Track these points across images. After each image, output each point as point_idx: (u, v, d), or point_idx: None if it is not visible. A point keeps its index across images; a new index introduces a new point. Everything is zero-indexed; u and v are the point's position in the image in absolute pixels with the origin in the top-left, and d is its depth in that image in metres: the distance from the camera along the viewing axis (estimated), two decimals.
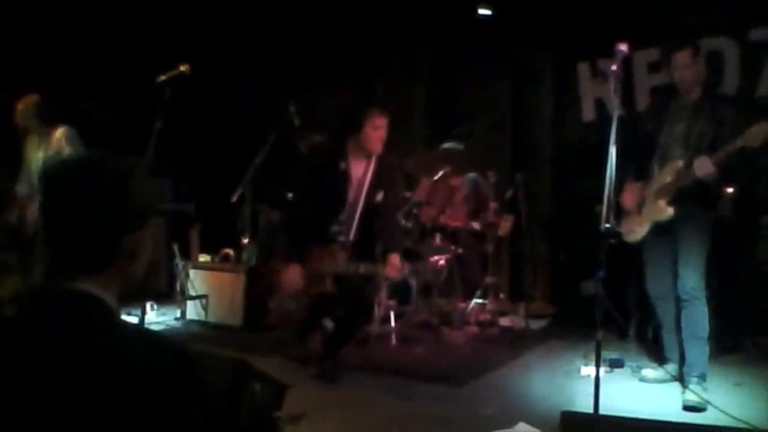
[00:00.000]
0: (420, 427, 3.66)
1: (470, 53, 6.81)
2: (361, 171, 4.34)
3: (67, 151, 5.19)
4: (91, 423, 1.23)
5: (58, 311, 1.32)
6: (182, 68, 4.26)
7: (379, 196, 4.33)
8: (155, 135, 4.14)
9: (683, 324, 3.99)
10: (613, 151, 3.19)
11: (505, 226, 5.73)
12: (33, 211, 5.21)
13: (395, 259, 4.21)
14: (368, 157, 4.33)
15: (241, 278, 5.62)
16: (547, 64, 6.60)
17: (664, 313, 4.22)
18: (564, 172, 6.43)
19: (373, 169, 4.33)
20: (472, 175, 5.75)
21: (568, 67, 6.47)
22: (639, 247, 4.23)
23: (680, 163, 3.93)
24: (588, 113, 6.40)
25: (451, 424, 3.68)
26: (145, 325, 4.97)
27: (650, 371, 4.31)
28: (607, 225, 3.07)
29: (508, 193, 5.72)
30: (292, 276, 4.24)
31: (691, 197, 3.90)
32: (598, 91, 6.25)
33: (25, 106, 5.35)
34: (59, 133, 5.28)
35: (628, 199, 4.18)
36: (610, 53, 3.44)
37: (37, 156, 5.35)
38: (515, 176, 5.70)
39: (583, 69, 6.36)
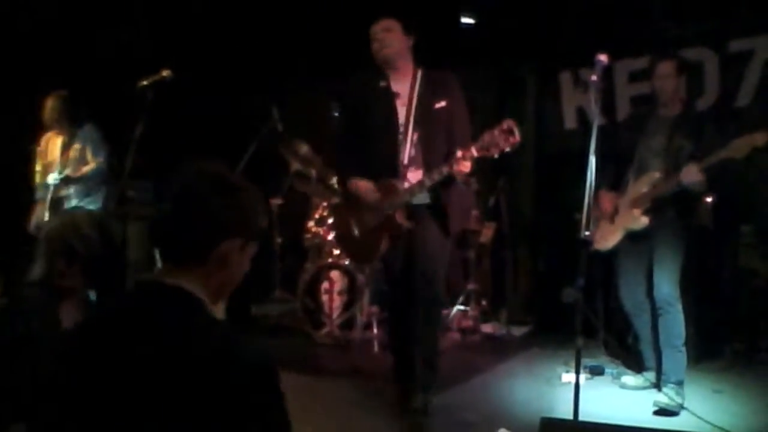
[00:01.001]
0: None
1: (453, 62, 6.84)
2: (406, 87, 3.70)
3: (91, 151, 5.27)
4: (159, 407, 1.33)
5: (149, 300, 1.46)
6: (164, 73, 4.24)
7: (441, 104, 3.64)
8: (136, 139, 4.12)
9: (660, 331, 4.03)
10: (593, 160, 3.23)
11: (487, 233, 5.77)
12: (39, 214, 5.29)
13: (463, 154, 3.46)
14: (403, 72, 3.72)
15: None
16: (529, 73, 6.65)
17: (640, 323, 4.25)
18: (545, 180, 6.48)
19: (420, 81, 3.71)
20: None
21: (550, 76, 6.52)
22: (609, 255, 4.28)
23: (657, 175, 3.99)
24: (570, 122, 6.45)
25: (432, 430, 3.68)
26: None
27: (630, 378, 4.35)
28: (587, 233, 3.10)
29: (491, 201, 5.75)
30: (365, 188, 3.69)
31: (669, 206, 3.94)
32: (580, 100, 6.30)
33: (55, 102, 5.33)
34: (87, 130, 5.32)
35: (604, 205, 4.20)
36: (591, 63, 3.48)
37: (60, 157, 5.31)
38: (497, 184, 5.73)
39: (565, 78, 6.41)
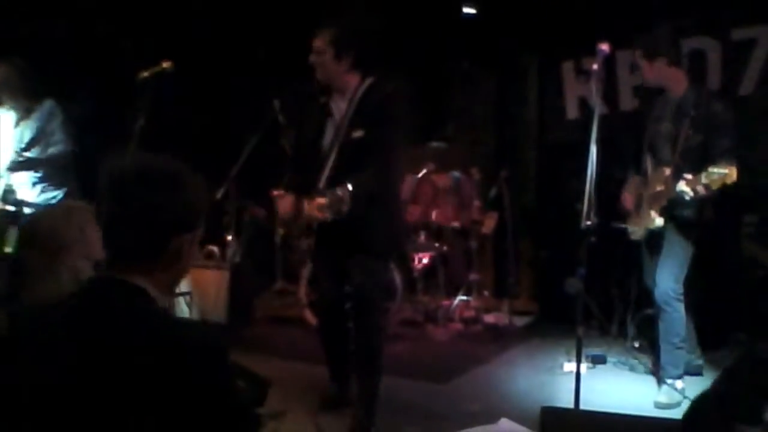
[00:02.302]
0: (403, 423, 3.67)
1: (455, 52, 6.83)
2: (343, 107, 3.59)
3: (52, 129, 4.61)
4: (108, 397, 1.33)
5: (100, 296, 1.44)
6: (165, 65, 4.22)
7: (358, 134, 3.49)
8: (137, 131, 4.12)
9: (659, 329, 4.00)
10: (593, 149, 3.22)
11: (489, 223, 5.76)
12: None
13: (323, 199, 3.31)
14: (344, 91, 3.60)
15: (225, 275, 5.59)
16: (531, 63, 6.62)
17: (666, 318, 4.07)
18: (548, 170, 6.46)
19: (355, 102, 3.55)
20: (456, 173, 5.77)
21: (552, 66, 6.49)
22: (637, 246, 4.25)
23: (668, 172, 3.90)
24: (572, 111, 6.43)
25: (434, 420, 3.70)
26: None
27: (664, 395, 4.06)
28: (588, 222, 3.09)
29: (493, 191, 5.74)
30: (284, 204, 3.70)
31: (677, 209, 3.89)
32: (582, 89, 6.27)
33: (6, 71, 4.58)
34: (47, 107, 4.64)
35: (629, 199, 4.17)
36: (594, 52, 3.47)
37: (13, 135, 4.60)
38: (499, 174, 5.73)
39: (567, 68, 6.39)
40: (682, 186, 3.59)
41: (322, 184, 3.53)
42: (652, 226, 3.97)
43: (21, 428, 1.39)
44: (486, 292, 5.91)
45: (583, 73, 6.27)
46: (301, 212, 3.60)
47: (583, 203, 3.11)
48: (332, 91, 3.64)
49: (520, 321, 5.69)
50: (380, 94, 3.53)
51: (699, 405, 2.12)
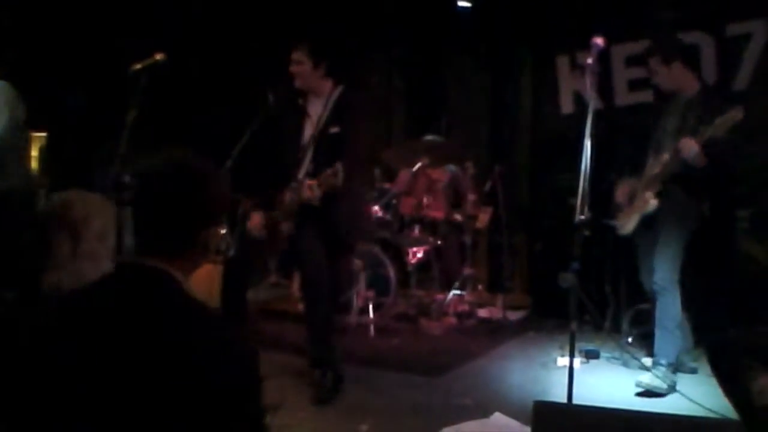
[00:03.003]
0: (395, 418, 3.68)
1: (449, 46, 6.82)
2: (318, 108, 4.12)
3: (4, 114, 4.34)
4: (141, 380, 1.38)
5: (135, 280, 1.50)
6: (157, 57, 4.20)
7: (335, 129, 4.04)
8: (129, 124, 4.09)
9: (656, 312, 4.03)
10: (588, 144, 3.22)
11: (484, 217, 5.76)
12: None
13: (313, 180, 3.80)
14: (319, 95, 4.14)
15: (218, 269, 5.57)
16: (526, 57, 6.61)
17: (661, 304, 4.13)
18: (542, 165, 6.46)
19: (330, 105, 4.10)
20: (451, 166, 5.77)
21: (547, 60, 6.48)
22: (631, 240, 4.26)
23: (667, 156, 3.95)
24: (567, 106, 6.41)
25: (427, 415, 3.70)
26: None
27: (650, 360, 4.20)
28: (581, 217, 3.10)
29: (487, 185, 5.74)
30: (254, 222, 4.30)
31: (677, 188, 3.92)
32: (577, 84, 6.25)
33: None
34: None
35: (622, 193, 4.21)
36: (589, 46, 3.47)
37: None
38: (494, 168, 5.73)
39: (562, 62, 6.37)
40: (687, 142, 3.67)
41: (301, 175, 4.05)
42: (646, 210, 3.99)
43: (55, 411, 1.42)
44: (480, 287, 5.92)
45: (578, 68, 6.25)
46: (270, 227, 4.16)
47: (576, 198, 3.10)
48: (308, 95, 4.17)
49: (513, 315, 5.69)
50: (352, 97, 4.16)
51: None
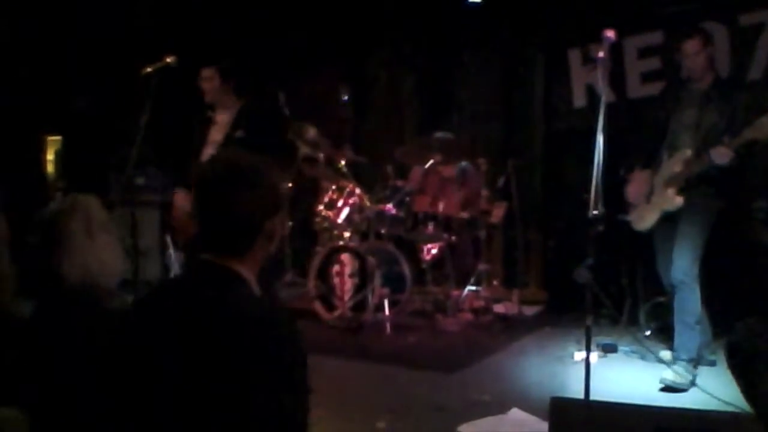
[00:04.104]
0: (413, 414, 3.69)
1: (460, 41, 6.80)
2: (226, 117, 4.77)
3: None
4: (211, 369, 1.51)
5: (207, 280, 1.62)
6: (168, 60, 4.25)
7: (239, 133, 4.65)
8: (143, 126, 4.13)
9: (675, 308, 4.00)
10: (600, 138, 3.20)
11: (498, 213, 5.75)
12: None
13: None
14: (227, 106, 4.78)
15: None
16: (537, 51, 6.58)
17: (678, 299, 4.12)
18: (555, 159, 6.43)
19: (235, 114, 4.75)
20: (463, 163, 5.75)
21: (558, 54, 6.45)
22: (647, 234, 4.23)
23: (689, 153, 3.93)
24: (579, 100, 6.38)
25: (444, 411, 3.70)
26: None
27: (668, 353, 4.24)
28: (595, 212, 3.08)
29: (500, 181, 5.72)
30: (180, 202, 4.81)
31: (702, 186, 3.90)
32: (589, 77, 6.21)
33: None
34: None
35: (634, 189, 4.19)
36: (600, 39, 3.45)
37: None
38: (507, 163, 5.71)
39: (574, 55, 6.33)
40: (721, 150, 3.64)
41: None
42: (670, 208, 3.97)
43: (135, 397, 1.58)
44: (495, 282, 5.90)
45: (589, 61, 6.21)
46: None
47: (589, 193, 3.09)
48: (217, 108, 4.80)
49: (530, 310, 5.68)
50: (256, 107, 4.84)
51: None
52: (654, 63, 5.73)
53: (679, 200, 3.94)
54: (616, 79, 5.85)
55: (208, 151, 4.68)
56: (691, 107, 4.01)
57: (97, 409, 1.65)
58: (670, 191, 3.96)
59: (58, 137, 7.19)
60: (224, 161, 1.74)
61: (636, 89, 5.89)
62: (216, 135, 4.76)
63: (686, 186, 3.91)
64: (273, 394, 1.52)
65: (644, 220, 4.14)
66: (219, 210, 1.64)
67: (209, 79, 4.73)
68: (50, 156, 7.19)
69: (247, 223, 1.64)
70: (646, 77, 5.78)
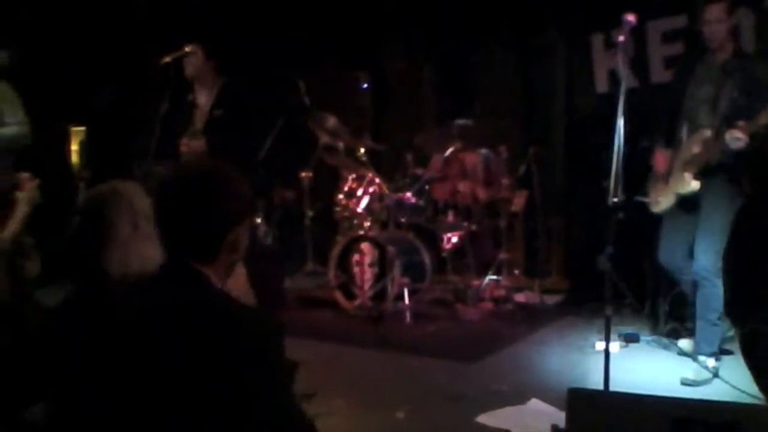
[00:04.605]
0: (432, 404, 3.67)
1: (480, 28, 6.73)
2: (207, 99, 4.66)
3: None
4: (178, 365, 1.51)
5: (176, 279, 1.61)
6: (187, 49, 4.25)
7: (218, 112, 4.57)
8: (161, 116, 4.15)
9: (696, 303, 3.91)
10: (620, 123, 3.15)
11: (519, 201, 5.69)
12: None
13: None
14: (206, 86, 4.66)
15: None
16: (559, 37, 6.49)
17: (685, 285, 4.10)
18: (577, 145, 6.35)
19: (216, 94, 4.64)
20: (484, 150, 5.69)
21: (580, 39, 6.36)
22: (660, 217, 4.13)
23: (708, 133, 3.73)
24: (602, 85, 6.29)
25: (463, 401, 3.68)
26: None
27: (689, 343, 4.17)
28: (615, 199, 3.03)
29: (521, 168, 5.67)
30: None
31: (720, 172, 3.74)
32: (612, 62, 6.11)
33: None
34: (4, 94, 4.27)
35: (658, 165, 4.01)
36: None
37: None
38: (527, 151, 5.65)
39: (596, 40, 6.24)
40: (735, 133, 3.46)
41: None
42: (684, 191, 3.83)
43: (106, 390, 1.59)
44: (516, 271, 5.84)
45: (612, 46, 6.11)
46: None
47: (609, 179, 3.04)
48: (195, 86, 4.65)
49: (551, 299, 5.63)
50: (238, 85, 4.69)
51: None
52: (678, 47, 5.62)
53: (694, 184, 3.77)
54: (640, 63, 5.76)
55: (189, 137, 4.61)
56: (708, 82, 3.82)
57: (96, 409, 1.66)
58: (687, 175, 3.79)
59: (82, 128, 7.24)
60: (186, 170, 1.75)
61: (659, 74, 5.78)
62: (199, 120, 4.66)
63: (704, 172, 3.75)
64: (258, 393, 1.52)
65: (659, 203, 4.01)
66: (178, 221, 1.63)
67: (193, 54, 4.57)
68: (75, 146, 7.25)
69: (208, 235, 1.62)
70: (670, 62, 5.67)
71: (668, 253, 4.07)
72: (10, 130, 4.25)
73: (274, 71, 7.01)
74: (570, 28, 6.44)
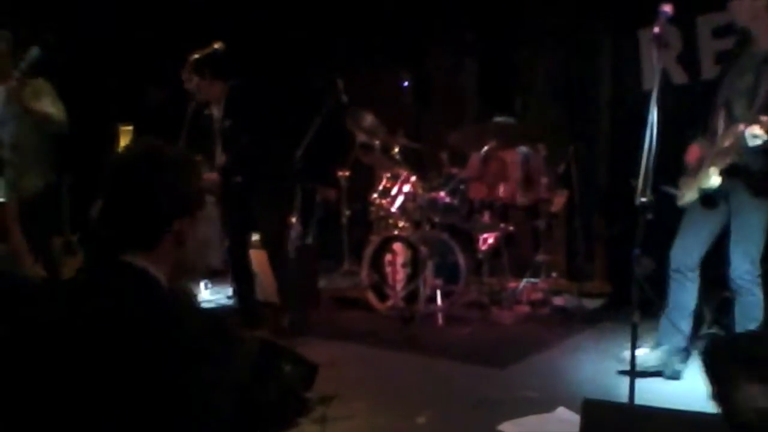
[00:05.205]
0: (455, 410, 3.56)
1: (523, 23, 6.57)
2: (219, 111, 4.66)
3: (45, 108, 4.39)
4: (107, 376, 1.36)
5: (104, 277, 1.49)
6: (216, 45, 4.23)
7: (228, 123, 4.58)
8: (189, 115, 4.15)
9: (735, 312, 3.67)
10: (653, 118, 2.99)
11: (559, 201, 5.51)
12: None
13: None
14: (218, 100, 4.63)
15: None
16: (605, 32, 6.29)
17: (678, 289, 3.79)
18: (623, 144, 6.12)
19: (222, 106, 4.63)
20: (523, 148, 5.53)
21: (627, 34, 6.14)
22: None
23: (742, 127, 3.41)
24: (649, 82, 6.06)
25: (488, 407, 3.55)
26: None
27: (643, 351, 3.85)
28: (643, 199, 2.86)
29: (561, 167, 5.48)
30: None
31: (749, 171, 3.46)
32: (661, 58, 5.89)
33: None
34: (43, 86, 4.44)
35: (691, 156, 3.75)
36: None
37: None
38: (567, 149, 5.47)
39: (645, 35, 6.02)
40: (754, 129, 3.20)
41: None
42: (706, 186, 3.55)
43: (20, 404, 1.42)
44: (555, 274, 5.66)
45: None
46: None
47: (638, 178, 2.87)
48: (212, 103, 4.66)
49: (591, 304, 5.43)
50: (242, 90, 4.60)
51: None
52: (728, 43, 5.33)
53: (716, 180, 3.48)
54: (690, 59, 5.55)
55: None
56: (748, 72, 3.54)
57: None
58: (712, 169, 3.51)
59: (130, 127, 7.35)
60: (137, 148, 1.65)
61: (710, 70, 5.53)
62: (217, 133, 4.66)
63: (729, 170, 3.46)
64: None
65: (683, 196, 3.75)
66: (122, 195, 1.53)
67: (188, 80, 4.47)
68: (123, 145, 7.38)
69: (151, 215, 1.53)
70: (721, 57, 5.41)
71: (683, 251, 3.79)
72: (57, 113, 4.46)
73: (314, 69, 6.99)
74: (617, 23, 6.24)
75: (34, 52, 4.12)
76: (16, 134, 4.39)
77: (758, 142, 3.23)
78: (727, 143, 3.50)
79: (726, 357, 1.95)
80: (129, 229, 1.52)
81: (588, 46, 6.39)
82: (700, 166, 3.67)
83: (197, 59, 4.26)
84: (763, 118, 3.22)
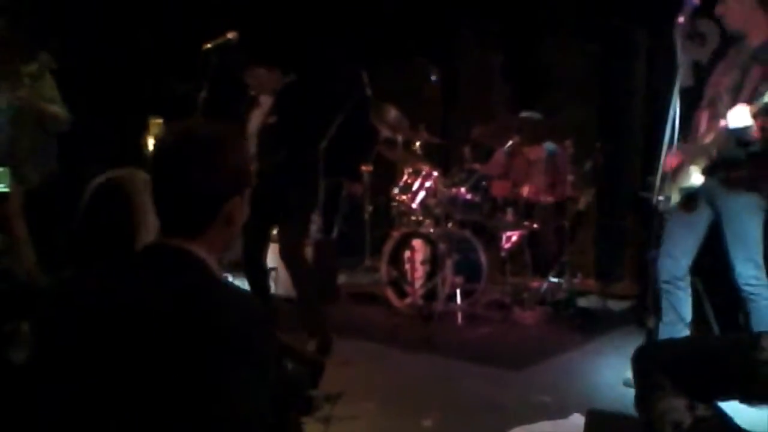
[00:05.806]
0: (465, 414, 3.46)
1: (554, 17, 6.41)
2: (269, 100, 4.43)
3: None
4: (161, 357, 1.36)
5: (156, 262, 1.47)
6: (229, 35, 4.18)
7: (272, 119, 4.35)
8: (201, 104, 4.09)
9: (751, 320, 3.46)
10: (674, 114, 2.83)
11: (585, 199, 5.35)
12: None
13: None
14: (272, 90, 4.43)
15: (309, 251, 5.51)
16: (639, 25, 6.09)
17: (672, 300, 3.59)
18: (657, 141, 5.92)
19: (273, 100, 4.42)
20: (550, 144, 5.37)
21: (662, 29, 5.92)
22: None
23: (723, 123, 3.22)
24: (685, 78, 5.83)
25: (500, 412, 3.45)
26: None
27: None
28: (660, 198, 2.71)
29: (587, 165, 5.31)
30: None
31: (733, 167, 3.25)
32: (697, 54, 5.68)
33: None
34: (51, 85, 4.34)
35: (673, 161, 3.47)
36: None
37: None
38: (594, 146, 5.29)
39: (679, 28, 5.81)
40: (739, 109, 3.02)
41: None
42: (687, 184, 3.34)
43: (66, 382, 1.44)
44: (580, 274, 5.49)
45: (697, 36, 5.68)
46: None
47: (654, 176, 2.72)
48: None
49: (617, 305, 5.26)
50: (294, 87, 4.37)
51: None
52: None
53: (696, 178, 3.29)
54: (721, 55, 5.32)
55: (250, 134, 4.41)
56: (735, 68, 3.35)
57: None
58: (693, 167, 3.31)
59: (160, 120, 7.37)
60: (183, 131, 1.57)
61: None
62: (255, 120, 4.42)
63: (711, 165, 3.25)
64: (244, 386, 1.37)
65: (666, 201, 3.48)
66: (171, 183, 1.49)
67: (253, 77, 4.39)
68: (152, 138, 7.40)
69: (203, 201, 1.48)
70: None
71: (670, 261, 3.56)
72: (63, 111, 4.40)
73: (341, 62, 6.91)
74: (652, 16, 6.03)
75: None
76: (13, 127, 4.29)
77: (742, 124, 3.04)
78: (707, 140, 3.32)
79: (656, 366, 1.89)
80: (180, 216, 1.50)
81: (622, 40, 6.19)
82: (681, 168, 3.46)
83: (209, 49, 4.19)
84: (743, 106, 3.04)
